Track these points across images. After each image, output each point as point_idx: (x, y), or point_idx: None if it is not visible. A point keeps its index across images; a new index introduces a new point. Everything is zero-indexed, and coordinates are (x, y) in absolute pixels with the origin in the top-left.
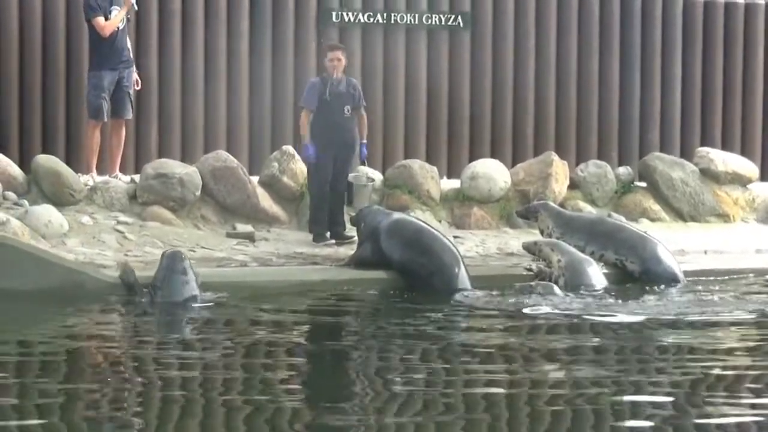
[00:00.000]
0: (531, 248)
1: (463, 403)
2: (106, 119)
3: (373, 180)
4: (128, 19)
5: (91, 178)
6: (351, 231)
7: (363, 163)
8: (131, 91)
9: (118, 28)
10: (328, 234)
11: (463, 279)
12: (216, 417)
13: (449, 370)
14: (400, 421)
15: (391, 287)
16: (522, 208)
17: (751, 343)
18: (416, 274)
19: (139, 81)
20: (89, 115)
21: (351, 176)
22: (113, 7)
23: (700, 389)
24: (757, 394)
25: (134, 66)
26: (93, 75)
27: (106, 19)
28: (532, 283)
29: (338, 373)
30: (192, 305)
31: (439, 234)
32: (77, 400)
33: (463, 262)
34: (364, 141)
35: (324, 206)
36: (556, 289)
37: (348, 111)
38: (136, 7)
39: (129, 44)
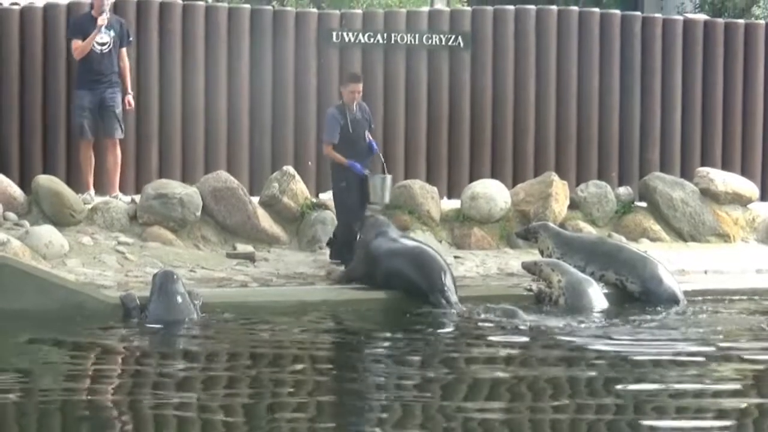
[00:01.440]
0: (531, 268)
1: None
2: (90, 137)
3: (390, 174)
4: (129, 41)
5: (89, 196)
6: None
7: (374, 152)
8: (118, 111)
9: (100, 51)
10: None
11: (439, 275)
12: None
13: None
14: None
15: (391, 307)
16: (521, 229)
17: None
18: (400, 276)
19: (131, 102)
20: (76, 134)
21: (368, 173)
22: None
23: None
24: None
25: (123, 87)
26: (75, 94)
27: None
28: (495, 306)
29: (335, 396)
30: (186, 325)
31: (421, 242)
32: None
33: (446, 262)
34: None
35: (353, 231)
36: (521, 313)
37: (367, 137)
38: (105, 32)
39: (117, 65)
